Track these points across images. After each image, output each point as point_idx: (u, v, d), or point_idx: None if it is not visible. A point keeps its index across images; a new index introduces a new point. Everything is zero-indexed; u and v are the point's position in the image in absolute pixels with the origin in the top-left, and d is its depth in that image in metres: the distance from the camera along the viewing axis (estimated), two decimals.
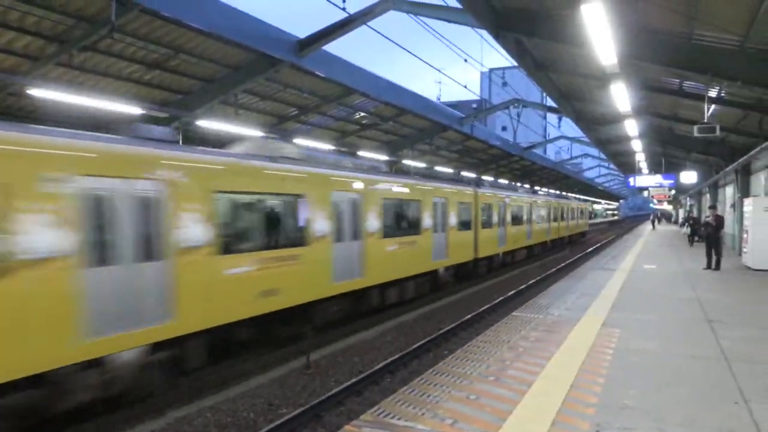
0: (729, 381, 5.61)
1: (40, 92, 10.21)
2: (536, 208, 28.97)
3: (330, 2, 9.63)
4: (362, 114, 20.98)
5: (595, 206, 55.98)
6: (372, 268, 12.80)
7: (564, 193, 53.37)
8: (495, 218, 21.92)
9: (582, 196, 62.50)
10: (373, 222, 13.06)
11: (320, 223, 11.03)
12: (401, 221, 14.84)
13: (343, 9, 10.44)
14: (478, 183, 22.19)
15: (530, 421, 4.51)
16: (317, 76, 15.67)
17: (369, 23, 12.66)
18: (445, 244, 17.20)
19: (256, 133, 16.98)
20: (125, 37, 11.77)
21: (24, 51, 11.65)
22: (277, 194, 10.16)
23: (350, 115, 20.98)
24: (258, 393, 8.30)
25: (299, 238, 10.49)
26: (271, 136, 14.40)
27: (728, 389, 5.36)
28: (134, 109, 12.71)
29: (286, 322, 10.19)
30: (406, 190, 15.05)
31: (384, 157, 21.22)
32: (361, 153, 22.80)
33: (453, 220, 17.85)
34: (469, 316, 13.32)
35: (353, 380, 8.47)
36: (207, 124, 14.97)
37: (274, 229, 10.00)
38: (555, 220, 34.09)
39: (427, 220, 15.93)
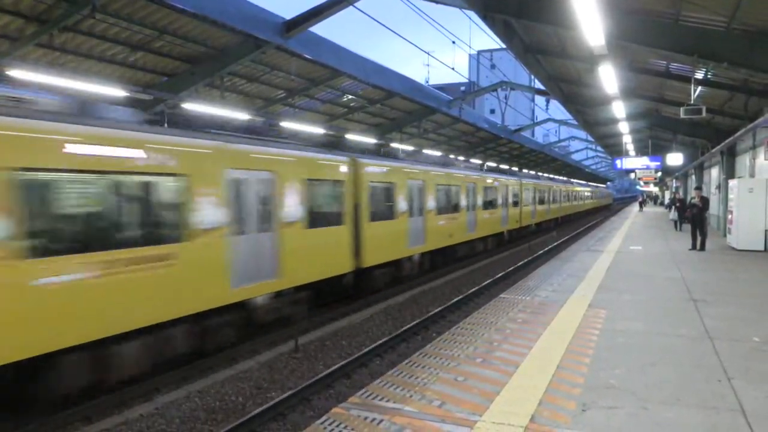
0: (713, 359, 5.69)
1: (20, 73, 9.98)
2: (552, 192, 38.74)
3: None
4: (350, 97, 20.82)
5: (581, 188, 56.66)
6: (478, 228, 21.60)
7: (572, 180, 61.65)
8: (530, 199, 30.85)
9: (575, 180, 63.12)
10: (479, 200, 21.92)
11: (463, 200, 20.06)
12: (488, 200, 23.30)
13: None
14: (520, 175, 31.39)
15: (517, 402, 4.54)
16: (304, 58, 15.49)
17: (356, 4, 12.50)
18: (507, 216, 25.92)
19: (242, 115, 16.82)
20: (107, 17, 11.52)
21: (2, 31, 11.38)
22: (449, 185, 18.90)
23: (338, 98, 20.81)
24: (246, 377, 8.31)
25: (457, 207, 19.50)
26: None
27: (712, 368, 5.44)
28: (118, 92, 12.50)
29: (451, 253, 19.13)
30: (490, 181, 23.79)
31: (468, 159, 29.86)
32: (348, 135, 22.69)
33: (509, 200, 26.50)
34: (457, 299, 13.39)
35: (341, 363, 8.50)
36: (193, 106, 14.78)
37: (450, 202, 18.93)
38: (567, 200, 45.23)
39: (499, 200, 24.78)
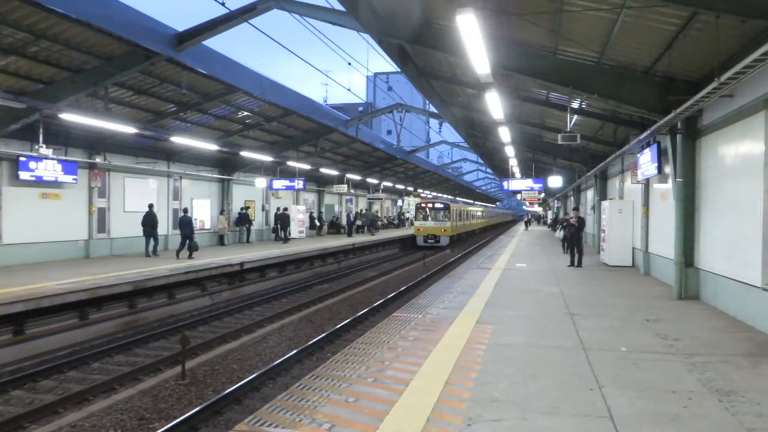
0: (586, 369, 6.11)
1: None
2: (489, 212, 69.59)
3: None
4: (245, 113, 20.44)
5: (473, 208, 64.37)
6: (473, 226, 50.59)
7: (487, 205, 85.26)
8: (469, 216, 48.76)
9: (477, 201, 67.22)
10: (480, 213, 57.37)
11: (477, 216, 55.11)
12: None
13: (222, 4, 10.05)
14: (464, 202, 60.73)
15: (406, 419, 4.61)
16: (197, 72, 15.03)
17: (253, 22, 12.37)
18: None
19: (128, 129, 15.99)
20: None
21: None
22: (480, 214, 58.36)
23: (233, 114, 20.36)
24: (127, 407, 7.77)
25: (480, 219, 57.06)
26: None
27: (585, 377, 5.83)
28: None
29: (467, 235, 47.25)
30: (479, 210, 58.92)
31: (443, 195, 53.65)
32: (243, 153, 22.23)
33: (487, 216, 60.77)
34: (352, 318, 13.40)
35: (231, 388, 8.19)
36: (73, 117, 13.82)
37: (479, 218, 56.33)
38: (489, 217, 69.08)
39: (485, 216, 59.29)
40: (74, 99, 14.39)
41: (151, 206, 19.35)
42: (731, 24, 7.62)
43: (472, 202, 70.32)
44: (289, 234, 28.89)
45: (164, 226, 21.86)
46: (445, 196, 60.75)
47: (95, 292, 12.12)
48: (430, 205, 38.06)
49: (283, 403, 5.04)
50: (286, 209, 29.38)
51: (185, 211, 19.99)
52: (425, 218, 37.33)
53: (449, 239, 36.95)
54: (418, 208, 38.72)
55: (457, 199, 62.00)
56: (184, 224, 19.02)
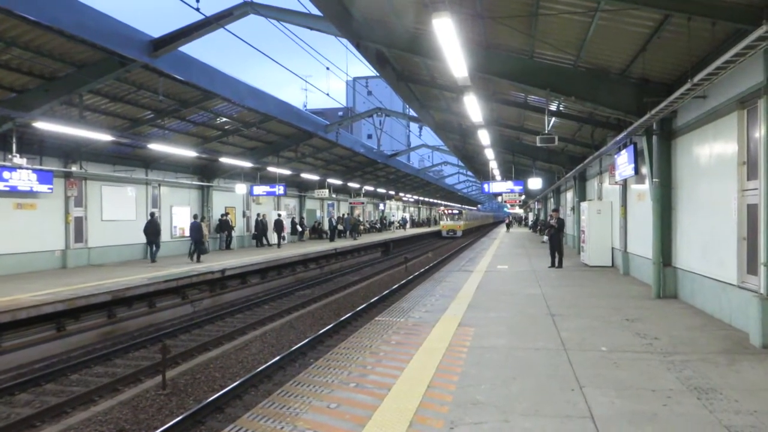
0: (567, 370, 6.14)
1: None
2: (478, 214, 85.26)
3: (182, 1, 9.10)
4: (224, 119, 20.29)
5: (473, 212, 71.62)
6: (473, 225, 67.52)
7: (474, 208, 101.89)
8: (470, 217, 65.59)
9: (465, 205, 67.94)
10: (478, 215, 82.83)
11: (475, 217, 74.34)
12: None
13: (197, 9, 9.95)
14: (468, 207, 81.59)
15: (388, 424, 4.59)
16: (174, 78, 14.89)
17: (229, 27, 12.28)
18: (483, 223, 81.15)
19: (104, 137, 15.78)
20: None
21: None
22: (479, 214, 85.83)
23: (211, 120, 20.20)
24: (106, 419, 7.63)
25: (481, 220, 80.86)
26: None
27: (566, 377, 5.86)
28: None
29: (470, 231, 64.25)
30: (466, 211, 62.40)
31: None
32: (223, 159, 22.07)
33: (480, 216, 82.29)
34: (335, 323, 13.35)
35: (213, 397, 8.09)
36: (47, 126, 13.61)
37: (476, 219, 75.95)
38: (482, 219, 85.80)
39: (480, 218, 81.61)
40: (48, 107, 14.17)
41: (152, 214, 20.36)
42: (703, 26, 7.76)
43: (470, 207, 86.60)
44: (284, 239, 30.40)
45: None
46: (456, 204, 79.07)
47: (72, 303, 11.91)
48: (450, 211, 58.64)
49: (264, 411, 4.99)
50: (279, 215, 30.32)
51: (195, 217, 21.45)
52: (446, 219, 56.65)
53: (462, 233, 55.33)
54: (443, 213, 59.37)
55: (464, 206, 78.96)
56: (194, 229, 20.49)
